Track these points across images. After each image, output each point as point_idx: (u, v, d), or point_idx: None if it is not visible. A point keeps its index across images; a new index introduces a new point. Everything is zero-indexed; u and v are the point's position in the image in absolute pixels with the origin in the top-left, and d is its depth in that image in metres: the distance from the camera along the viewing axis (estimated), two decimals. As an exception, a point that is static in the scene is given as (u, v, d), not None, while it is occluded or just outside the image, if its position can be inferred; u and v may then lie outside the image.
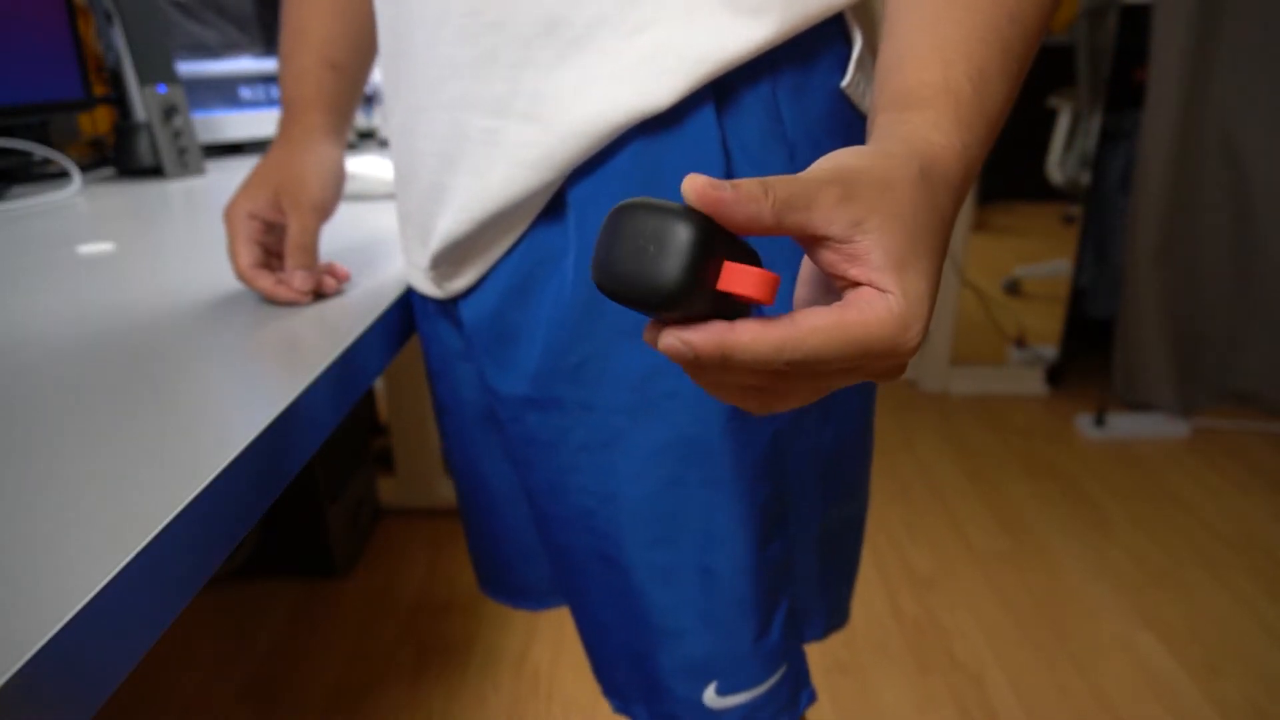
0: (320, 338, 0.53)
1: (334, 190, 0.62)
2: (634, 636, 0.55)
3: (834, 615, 0.62)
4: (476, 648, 1.48)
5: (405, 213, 0.57)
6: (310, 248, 0.59)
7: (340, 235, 0.80)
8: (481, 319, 0.53)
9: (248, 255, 0.59)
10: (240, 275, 0.59)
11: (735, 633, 0.53)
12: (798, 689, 0.57)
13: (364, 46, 0.66)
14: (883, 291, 0.30)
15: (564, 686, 1.39)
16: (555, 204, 0.48)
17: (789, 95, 0.46)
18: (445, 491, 1.91)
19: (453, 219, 0.50)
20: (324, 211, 0.61)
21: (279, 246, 0.61)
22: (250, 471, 0.39)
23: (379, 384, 2.36)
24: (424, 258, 0.55)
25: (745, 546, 0.52)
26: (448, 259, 0.53)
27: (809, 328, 0.29)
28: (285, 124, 0.63)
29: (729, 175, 0.45)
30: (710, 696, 0.54)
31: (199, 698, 1.37)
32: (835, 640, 1.48)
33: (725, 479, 0.50)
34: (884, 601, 1.59)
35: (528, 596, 0.69)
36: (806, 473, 0.54)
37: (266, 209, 0.60)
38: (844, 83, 0.48)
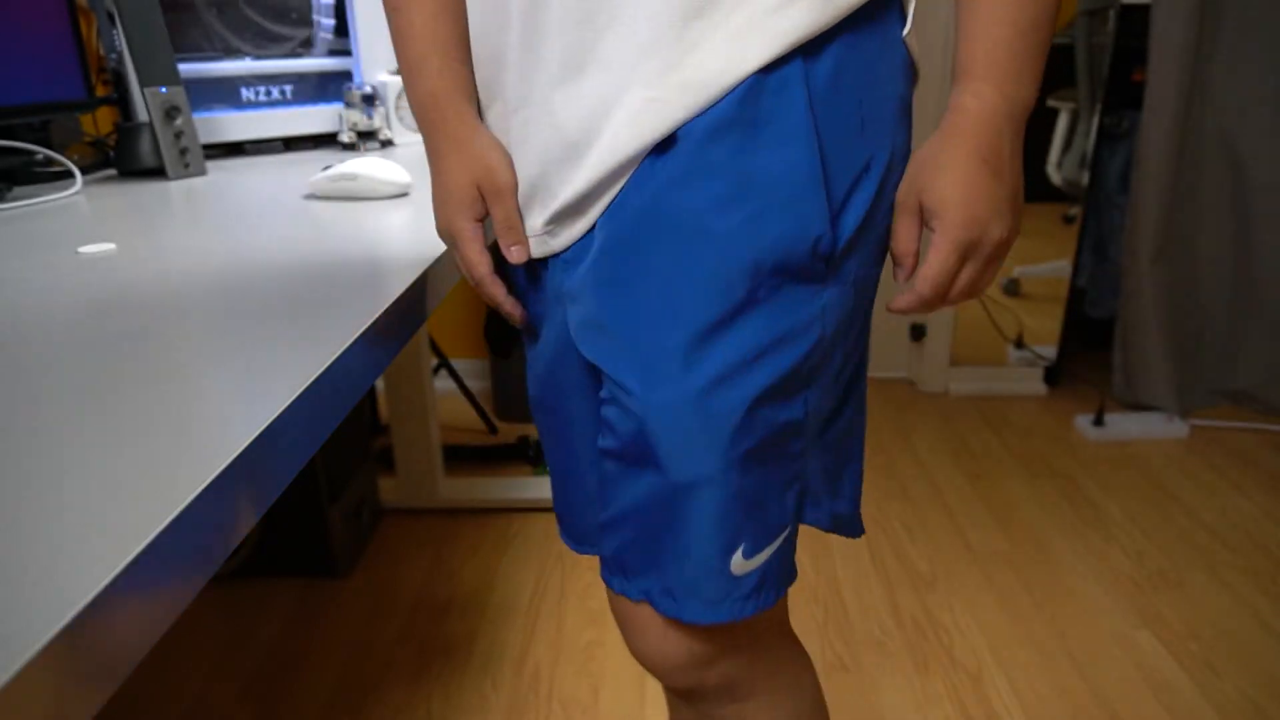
0: (320, 337, 0.53)
1: (511, 166, 0.65)
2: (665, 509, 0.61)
3: (839, 503, 0.67)
4: (476, 647, 1.48)
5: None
6: (519, 226, 0.64)
7: (341, 236, 0.80)
8: (611, 241, 0.60)
9: (485, 261, 0.64)
10: (481, 281, 0.65)
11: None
12: (790, 558, 0.65)
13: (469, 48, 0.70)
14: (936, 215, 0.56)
15: (564, 686, 1.39)
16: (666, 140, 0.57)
17: (854, 41, 0.57)
18: (445, 491, 1.92)
19: (589, 173, 0.58)
20: (516, 189, 0.64)
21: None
22: (249, 472, 0.40)
23: (379, 384, 2.37)
24: (540, 219, 0.62)
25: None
26: (570, 212, 0.60)
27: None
28: (441, 120, 0.65)
29: (810, 112, 0.56)
30: (738, 561, 0.60)
31: (199, 698, 1.37)
32: (834, 639, 1.49)
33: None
34: (883, 601, 1.59)
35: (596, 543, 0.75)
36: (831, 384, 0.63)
37: (480, 209, 0.64)
38: (904, 32, 0.60)
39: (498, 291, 0.66)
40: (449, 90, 0.65)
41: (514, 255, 0.64)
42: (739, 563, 0.60)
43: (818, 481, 0.65)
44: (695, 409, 0.57)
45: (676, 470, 0.59)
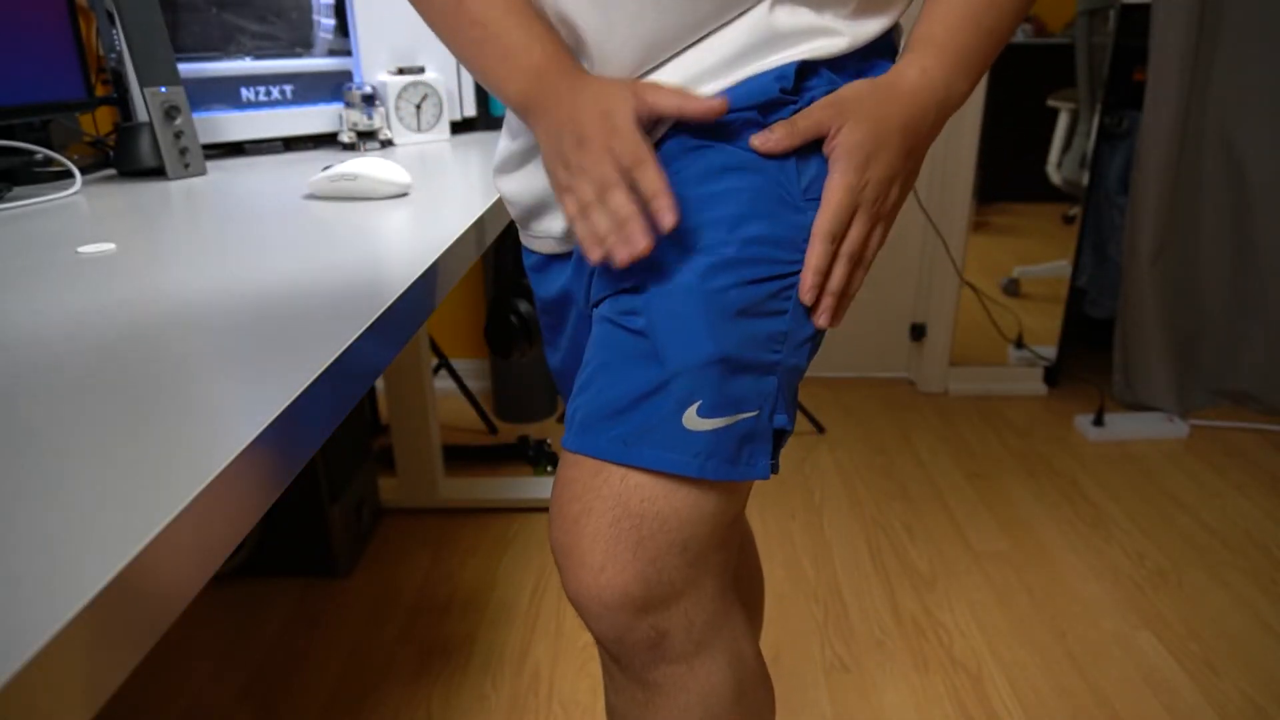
0: (320, 338, 0.53)
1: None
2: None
3: (779, 416, 0.67)
4: (476, 647, 1.48)
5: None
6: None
7: (341, 236, 0.80)
8: None
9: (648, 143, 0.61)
10: (644, 162, 0.59)
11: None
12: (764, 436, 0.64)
13: None
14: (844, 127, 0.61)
15: (564, 686, 1.39)
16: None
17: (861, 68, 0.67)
18: (445, 491, 1.92)
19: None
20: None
21: None
22: (251, 471, 0.40)
23: (379, 384, 2.37)
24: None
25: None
26: None
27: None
28: (567, 68, 0.63)
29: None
30: (690, 417, 0.61)
31: (199, 698, 1.37)
32: (834, 639, 1.49)
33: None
34: (883, 601, 1.59)
35: None
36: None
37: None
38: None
39: (661, 177, 0.58)
40: (563, 50, 0.63)
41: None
42: (692, 418, 0.60)
43: (786, 395, 0.65)
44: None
45: (660, 286, 0.61)
